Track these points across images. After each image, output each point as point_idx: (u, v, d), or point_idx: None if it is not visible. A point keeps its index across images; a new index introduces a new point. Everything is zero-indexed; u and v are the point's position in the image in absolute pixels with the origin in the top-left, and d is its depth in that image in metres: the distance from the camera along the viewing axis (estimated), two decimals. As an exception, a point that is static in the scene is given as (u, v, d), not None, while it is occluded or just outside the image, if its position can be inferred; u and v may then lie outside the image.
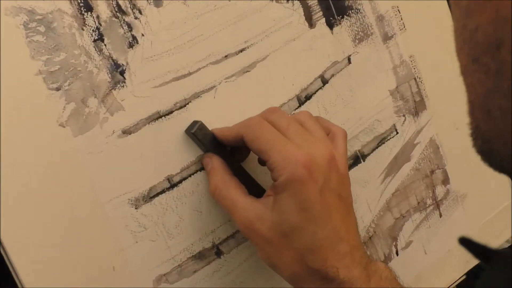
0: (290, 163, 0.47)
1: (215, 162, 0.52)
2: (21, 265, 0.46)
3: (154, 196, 0.52)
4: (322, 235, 0.48)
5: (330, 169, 0.49)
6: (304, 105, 0.59)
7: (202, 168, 0.54)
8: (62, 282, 0.48)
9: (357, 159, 0.63)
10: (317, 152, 0.49)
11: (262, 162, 0.52)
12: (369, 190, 0.64)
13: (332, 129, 0.54)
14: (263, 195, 0.51)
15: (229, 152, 0.53)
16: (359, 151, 0.63)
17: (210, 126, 0.53)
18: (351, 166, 0.63)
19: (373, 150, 0.64)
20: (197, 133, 0.52)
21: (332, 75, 0.61)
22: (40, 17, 0.47)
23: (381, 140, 0.65)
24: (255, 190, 0.53)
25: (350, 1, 0.62)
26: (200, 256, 0.54)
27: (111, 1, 0.50)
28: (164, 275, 0.53)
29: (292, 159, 0.47)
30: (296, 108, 0.59)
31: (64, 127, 0.48)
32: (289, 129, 0.50)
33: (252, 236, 0.50)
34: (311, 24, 0.60)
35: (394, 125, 0.65)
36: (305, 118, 0.52)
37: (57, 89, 0.48)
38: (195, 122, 0.52)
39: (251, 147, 0.50)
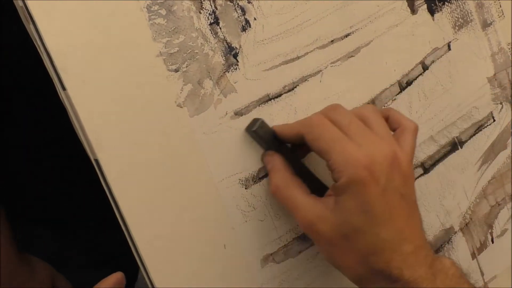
0: (350, 164, 0.47)
1: (276, 161, 0.52)
2: (140, 239, 0.48)
3: (262, 177, 0.53)
4: (385, 237, 0.47)
5: (392, 169, 0.48)
6: (404, 91, 0.60)
7: (308, 151, 0.55)
8: (178, 258, 0.49)
9: (454, 146, 0.63)
10: (379, 151, 0.48)
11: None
12: (466, 177, 0.64)
13: (403, 123, 0.52)
14: (325, 195, 0.50)
15: (290, 149, 0.53)
16: (456, 137, 0.63)
17: (317, 106, 0.54)
18: (448, 153, 0.63)
19: (471, 137, 0.64)
20: (258, 131, 0.51)
21: (432, 62, 0.61)
22: (162, 0, 0.48)
23: (479, 127, 0.64)
24: (316, 187, 0.52)
25: (451, -13, 0.62)
26: (304, 237, 0.55)
27: (226, -14, 0.51)
28: (271, 254, 0.54)
29: (353, 160, 0.47)
30: (397, 94, 0.59)
31: (181, 107, 0.49)
32: (351, 128, 0.48)
33: (314, 236, 0.49)
34: (413, 10, 0.60)
35: (491, 112, 0.65)
36: (368, 113, 0.51)
37: (176, 70, 0.49)
38: (255, 120, 0.52)
39: (311, 147, 0.49)
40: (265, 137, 0.52)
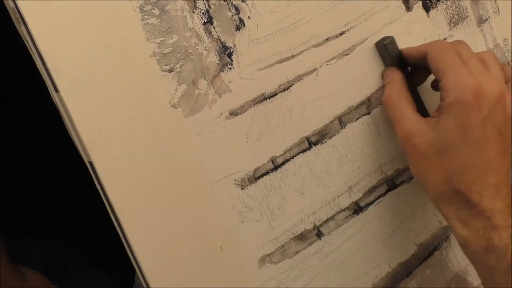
0: (461, 86, 0.50)
1: (396, 75, 0.56)
2: (135, 241, 0.47)
3: (258, 177, 0.53)
4: (475, 161, 0.50)
5: (497, 104, 0.51)
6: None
7: (304, 150, 0.55)
8: (174, 260, 0.49)
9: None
10: (489, 86, 0.51)
11: (435, 86, 0.56)
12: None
13: None
14: (430, 115, 0.53)
15: (408, 73, 0.56)
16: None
17: (312, 105, 0.54)
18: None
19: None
20: (388, 46, 0.56)
21: (428, 59, 0.61)
22: (155, 0, 0.48)
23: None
24: (423, 112, 0.55)
25: (446, -16, 0.61)
26: (302, 237, 0.55)
27: (220, -16, 0.50)
28: (268, 255, 0.53)
29: (464, 83, 0.50)
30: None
31: (176, 108, 0.49)
32: (470, 61, 0.52)
33: (409, 149, 0.52)
34: (408, 7, 0.60)
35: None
36: (489, 58, 0.54)
37: (170, 70, 0.49)
38: (386, 37, 0.56)
39: (430, 65, 0.53)
40: (392, 54, 0.56)
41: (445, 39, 0.61)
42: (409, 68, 0.57)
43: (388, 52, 0.56)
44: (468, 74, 0.50)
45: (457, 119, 0.50)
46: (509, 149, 0.52)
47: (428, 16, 0.61)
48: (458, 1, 0.62)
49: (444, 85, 0.51)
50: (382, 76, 0.57)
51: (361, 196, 0.58)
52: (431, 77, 0.58)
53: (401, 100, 0.54)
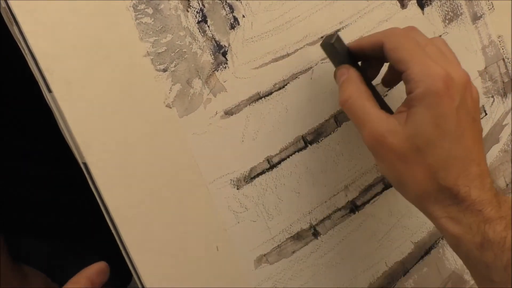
0: (429, 76, 0.47)
1: (351, 73, 0.51)
2: (130, 242, 0.47)
3: (254, 177, 0.53)
4: (456, 153, 0.47)
5: (466, 91, 0.48)
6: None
7: (299, 149, 0.55)
8: (169, 260, 0.48)
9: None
10: (455, 72, 0.48)
11: (387, 83, 0.54)
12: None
13: None
14: (396, 111, 0.49)
15: (360, 68, 0.52)
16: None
17: (308, 104, 0.53)
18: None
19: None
20: (336, 44, 0.51)
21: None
22: (148, -1, 0.47)
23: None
24: (386, 109, 0.51)
25: (441, -19, 0.61)
26: (298, 237, 0.55)
27: (213, -17, 0.50)
28: (264, 255, 0.53)
29: (432, 72, 0.47)
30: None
31: (170, 107, 0.48)
32: (428, 47, 0.49)
33: (381, 150, 0.48)
34: (403, 5, 0.59)
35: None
36: (441, 44, 0.51)
37: (164, 70, 0.48)
38: (331, 35, 0.51)
39: (389, 56, 0.49)
40: (341, 52, 0.51)
41: (440, 36, 0.61)
42: (360, 63, 0.53)
43: (337, 51, 0.51)
44: (432, 62, 0.47)
45: (431, 110, 0.46)
46: (481, 138, 0.50)
47: (423, 14, 0.61)
48: (453, -2, 0.62)
49: (409, 76, 0.47)
50: (335, 77, 0.53)
51: (357, 195, 0.58)
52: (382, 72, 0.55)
53: (362, 99, 0.49)
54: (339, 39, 0.51)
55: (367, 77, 0.52)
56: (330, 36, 0.51)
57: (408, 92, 0.48)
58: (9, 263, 0.63)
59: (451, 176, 0.47)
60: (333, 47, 0.51)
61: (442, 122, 0.47)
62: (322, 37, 0.55)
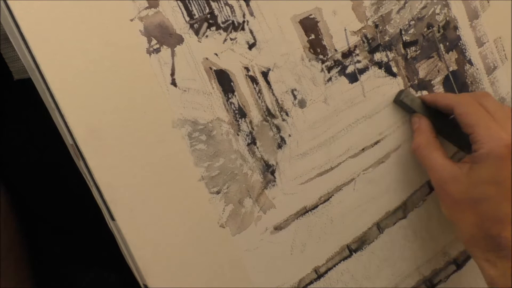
0: (493, 139, 0.52)
1: (422, 123, 0.58)
2: None
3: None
4: (506, 210, 0.52)
5: None
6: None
7: (345, 258, 0.57)
8: None
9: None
10: None
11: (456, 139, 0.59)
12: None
13: None
14: (461, 161, 0.55)
15: (434, 114, 0.59)
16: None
17: (351, 214, 0.56)
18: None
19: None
20: (405, 99, 0.58)
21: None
22: (202, 126, 0.50)
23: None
24: (465, 141, 0.56)
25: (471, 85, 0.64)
26: None
27: (261, 106, 0.53)
28: None
29: (496, 136, 0.52)
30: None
31: (224, 227, 0.51)
32: (497, 113, 0.54)
33: (443, 194, 0.55)
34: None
35: None
36: (510, 111, 0.56)
37: (217, 192, 0.51)
38: (399, 92, 0.59)
39: (459, 119, 0.55)
40: (413, 104, 0.59)
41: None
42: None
43: (408, 105, 0.58)
44: (498, 127, 0.53)
45: (491, 169, 0.52)
46: None
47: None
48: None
49: (475, 138, 0.53)
50: (411, 123, 0.59)
51: (401, 298, 0.59)
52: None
53: (429, 149, 0.56)
54: (407, 94, 0.59)
55: (439, 123, 0.58)
56: (400, 92, 0.59)
57: (474, 151, 0.53)
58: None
59: (496, 228, 0.53)
60: (402, 102, 0.58)
61: (500, 181, 0.52)
62: (363, 149, 0.58)
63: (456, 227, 0.55)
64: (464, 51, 0.63)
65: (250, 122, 0.53)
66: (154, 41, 0.48)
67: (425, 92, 0.61)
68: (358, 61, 0.57)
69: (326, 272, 0.56)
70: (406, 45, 0.60)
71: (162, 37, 0.48)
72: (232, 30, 0.52)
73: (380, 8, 0.58)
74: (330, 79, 0.56)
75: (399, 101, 0.59)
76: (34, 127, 0.65)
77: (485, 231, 0.53)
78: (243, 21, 0.52)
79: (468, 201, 0.53)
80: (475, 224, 0.53)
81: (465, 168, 0.54)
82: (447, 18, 0.62)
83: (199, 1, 0.50)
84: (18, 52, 0.46)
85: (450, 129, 0.58)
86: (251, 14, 0.52)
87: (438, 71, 0.62)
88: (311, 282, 0.55)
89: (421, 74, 0.61)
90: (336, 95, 0.56)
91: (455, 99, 0.57)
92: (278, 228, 0.53)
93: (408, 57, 0.60)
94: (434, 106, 0.58)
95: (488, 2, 0.64)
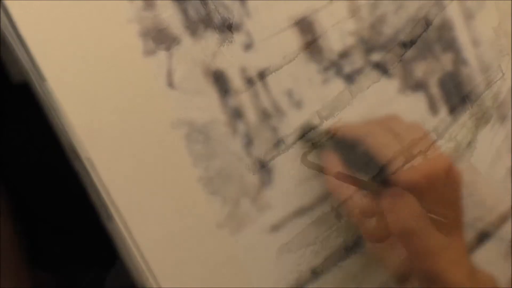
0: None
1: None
2: None
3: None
4: None
5: None
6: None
7: (343, 258, 0.57)
8: None
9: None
10: None
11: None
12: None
13: None
14: None
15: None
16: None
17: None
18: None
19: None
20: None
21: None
22: (199, 127, 0.51)
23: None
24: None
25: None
26: None
27: (258, 107, 0.53)
28: None
29: None
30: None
31: (221, 228, 0.51)
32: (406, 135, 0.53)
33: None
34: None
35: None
36: None
37: (215, 193, 0.51)
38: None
39: (370, 151, 0.53)
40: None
41: None
42: None
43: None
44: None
45: None
46: None
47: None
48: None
49: None
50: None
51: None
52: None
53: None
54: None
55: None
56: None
57: None
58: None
59: None
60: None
61: None
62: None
63: None
64: (460, 51, 0.64)
65: (247, 123, 0.53)
66: (150, 42, 0.48)
67: (421, 93, 0.61)
68: (355, 62, 0.58)
69: (323, 272, 0.56)
70: (402, 45, 0.60)
71: (158, 38, 0.49)
72: (229, 31, 0.52)
73: (377, 8, 0.59)
74: (326, 79, 0.56)
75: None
76: (34, 127, 0.66)
77: None
78: (240, 22, 0.52)
79: None
80: None
81: None
82: (443, 19, 0.62)
83: (196, 2, 0.50)
84: (17, 53, 0.46)
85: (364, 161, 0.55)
86: (248, 14, 0.52)
87: (434, 72, 0.62)
88: (308, 282, 0.55)
89: (417, 74, 0.61)
90: (333, 96, 0.56)
91: (362, 130, 0.54)
92: (275, 228, 0.54)
93: (404, 57, 0.61)
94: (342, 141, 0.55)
95: (485, 2, 0.65)
